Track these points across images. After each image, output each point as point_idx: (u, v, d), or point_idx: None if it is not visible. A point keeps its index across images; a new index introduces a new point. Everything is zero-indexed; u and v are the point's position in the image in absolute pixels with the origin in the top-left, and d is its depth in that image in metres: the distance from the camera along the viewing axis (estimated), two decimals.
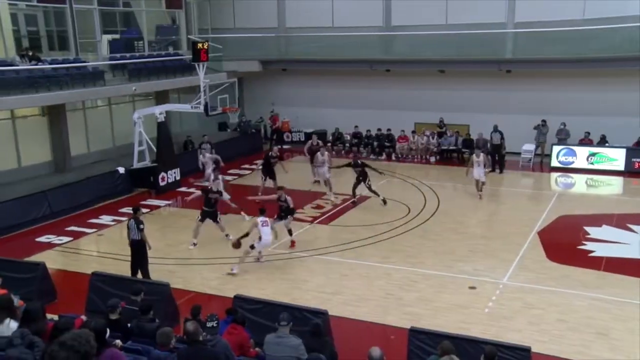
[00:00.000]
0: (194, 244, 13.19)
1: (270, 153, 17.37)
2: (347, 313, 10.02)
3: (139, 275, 10.91)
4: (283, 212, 13.03)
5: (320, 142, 18.78)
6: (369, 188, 16.01)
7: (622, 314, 9.86)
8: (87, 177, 17.08)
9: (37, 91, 16.34)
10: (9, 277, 9.48)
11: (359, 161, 16.32)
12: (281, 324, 7.07)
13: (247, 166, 21.16)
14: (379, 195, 15.95)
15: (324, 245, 13.28)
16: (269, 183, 16.76)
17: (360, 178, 15.95)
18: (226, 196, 14.23)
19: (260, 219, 11.79)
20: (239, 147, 23.00)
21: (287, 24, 24.87)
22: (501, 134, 19.99)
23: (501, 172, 19.90)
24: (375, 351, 6.14)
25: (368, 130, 22.99)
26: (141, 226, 10.87)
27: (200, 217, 13.18)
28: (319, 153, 17.19)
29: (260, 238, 11.72)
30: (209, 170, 16.96)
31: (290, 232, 13.20)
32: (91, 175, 17.30)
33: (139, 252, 10.97)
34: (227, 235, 13.18)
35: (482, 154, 16.74)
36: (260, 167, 17.25)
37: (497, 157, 19.88)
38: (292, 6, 24.57)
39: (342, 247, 13.18)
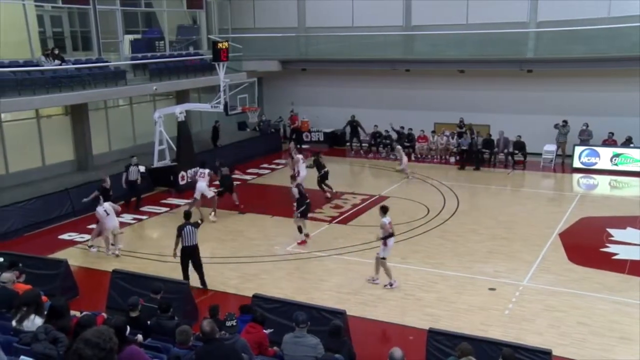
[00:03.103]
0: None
1: (221, 169, 16.03)
2: (365, 313, 10.00)
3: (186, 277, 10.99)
4: (297, 204, 13.15)
5: (295, 153, 17.77)
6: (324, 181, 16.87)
7: None
8: (109, 175, 17.26)
9: (61, 91, 16.60)
10: (33, 274, 9.67)
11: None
12: (300, 326, 7.09)
13: (266, 165, 21.29)
14: (331, 189, 16.86)
15: (342, 245, 13.27)
16: (235, 197, 15.78)
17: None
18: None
19: (386, 220, 10.90)
20: (258, 146, 23.14)
21: (307, 23, 24.91)
22: (471, 132, 20.74)
23: (477, 169, 20.23)
24: (397, 352, 6.13)
25: (386, 131, 22.90)
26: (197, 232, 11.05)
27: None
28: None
29: (385, 244, 10.96)
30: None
31: (299, 229, 13.21)
32: (112, 173, 17.50)
33: (197, 256, 11.05)
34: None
35: (398, 146, 19.71)
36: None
37: (473, 156, 20.51)
38: (312, 6, 24.61)
39: (360, 247, 13.14)
